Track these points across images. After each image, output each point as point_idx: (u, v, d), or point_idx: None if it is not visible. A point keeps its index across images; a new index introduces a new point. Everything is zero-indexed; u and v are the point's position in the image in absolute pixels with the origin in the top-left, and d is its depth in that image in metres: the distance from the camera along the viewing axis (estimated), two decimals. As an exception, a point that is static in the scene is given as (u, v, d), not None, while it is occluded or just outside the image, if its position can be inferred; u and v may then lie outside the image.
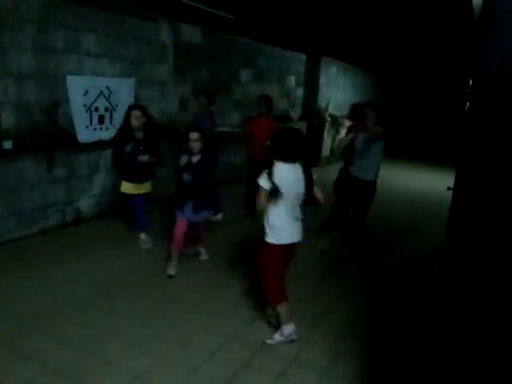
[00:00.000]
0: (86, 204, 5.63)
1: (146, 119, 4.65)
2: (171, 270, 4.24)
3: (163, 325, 3.41)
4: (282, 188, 2.96)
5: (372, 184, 4.78)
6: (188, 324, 3.44)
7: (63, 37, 5.02)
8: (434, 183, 9.38)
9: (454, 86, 14.47)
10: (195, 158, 4.21)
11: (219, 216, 4.46)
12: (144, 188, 4.78)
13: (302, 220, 3.20)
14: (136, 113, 4.56)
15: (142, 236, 4.93)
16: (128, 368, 2.88)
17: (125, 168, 4.69)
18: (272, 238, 3.11)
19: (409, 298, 4.11)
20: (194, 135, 4.16)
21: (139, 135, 4.59)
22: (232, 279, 4.22)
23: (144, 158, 4.55)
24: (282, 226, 3.09)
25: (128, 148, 4.51)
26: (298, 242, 3.21)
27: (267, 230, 3.12)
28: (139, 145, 4.54)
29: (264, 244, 3.17)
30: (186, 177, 4.20)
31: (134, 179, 4.69)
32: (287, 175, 3.01)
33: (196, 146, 4.16)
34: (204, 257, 4.71)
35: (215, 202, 4.40)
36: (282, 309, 3.21)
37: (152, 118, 4.86)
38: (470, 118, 2.81)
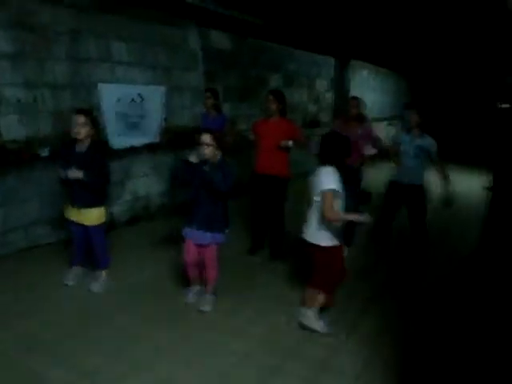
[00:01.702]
0: (118, 210, 5.74)
1: (93, 129, 3.69)
2: (189, 295, 3.84)
3: (189, 329, 3.42)
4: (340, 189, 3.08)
5: (421, 188, 4.82)
6: (216, 327, 3.45)
7: (95, 46, 5.16)
8: (470, 184, 9.19)
9: (488, 85, 14.09)
10: (207, 167, 3.43)
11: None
12: (86, 217, 3.78)
13: None
14: (80, 119, 3.60)
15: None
16: (156, 371, 2.90)
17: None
18: (332, 240, 3.20)
19: (446, 302, 4.00)
20: (205, 138, 3.37)
21: (81, 148, 3.69)
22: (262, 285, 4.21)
23: (75, 174, 3.53)
24: (338, 227, 3.20)
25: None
26: None
27: (327, 234, 3.17)
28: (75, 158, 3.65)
29: (322, 250, 3.22)
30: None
31: (72, 202, 3.81)
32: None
33: (208, 151, 3.37)
34: (204, 306, 3.68)
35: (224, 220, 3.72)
36: (322, 297, 3.35)
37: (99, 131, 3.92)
38: (506, 116, 2.74)
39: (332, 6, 6.74)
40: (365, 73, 11.53)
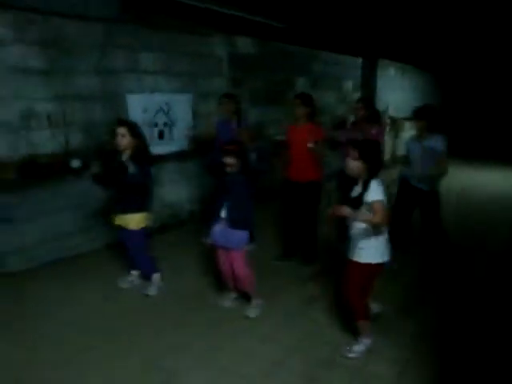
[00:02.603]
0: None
1: (135, 140, 3.80)
2: (225, 302, 3.91)
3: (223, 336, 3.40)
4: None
5: (434, 193, 4.59)
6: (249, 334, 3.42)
7: (122, 57, 5.22)
8: (499, 182, 8.93)
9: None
10: (230, 178, 3.47)
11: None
12: (127, 222, 3.95)
13: None
14: (121, 130, 3.76)
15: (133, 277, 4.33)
16: (191, 379, 2.88)
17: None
18: (371, 257, 3.02)
19: (481, 308, 3.85)
20: (229, 147, 3.42)
21: (123, 157, 3.83)
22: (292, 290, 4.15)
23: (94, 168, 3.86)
24: (381, 243, 3.05)
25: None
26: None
27: (366, 249, 3.02)
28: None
29: (356, 265, 3.07)
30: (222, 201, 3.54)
31: (117, 208, 4.03)
32: None
33: (231, 162, 3.38)
34: (251, 312, 3.73)
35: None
36: (365, 324, 3.18)
37: (143, 140, 3.92)
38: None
39: (357, 5, 6.63)
40: (392, 72, 11.32)
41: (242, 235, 3.50)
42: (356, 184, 3.05)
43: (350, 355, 3.13)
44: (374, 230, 2.94)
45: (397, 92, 11.62)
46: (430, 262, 4.81)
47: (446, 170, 4.44)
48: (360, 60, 10.40)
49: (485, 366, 3.04)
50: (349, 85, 10.18)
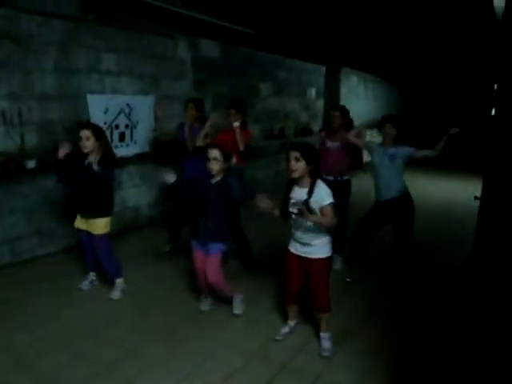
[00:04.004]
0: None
1: (100, 142, 3.76)
2: (203, 306, 3.88)
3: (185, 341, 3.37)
4: None
5: (402, 199, 4.45)
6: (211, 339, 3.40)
7: (84, 57, 5.10)
8: (460, 192, 9.18)
9: (478, 91, 14.19)
10: (213, 180, 3.49)
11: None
12: (93, 226, 3.91)
13: None
14: (85, 133, 3.70)
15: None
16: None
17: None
18: (329, 251, 3.20)
19: (436, 316, 3.96)
20: (213, 153, 3.41)
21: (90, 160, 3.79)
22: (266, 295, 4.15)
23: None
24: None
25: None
26: None
27: (326, 244, 3.17)
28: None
29: (319, 262, 3.17)
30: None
31: (81, 212, 4.00)
32: None
33: (216, 167, 3.41)
34: (235, 309, 3.80)
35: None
36: (329, 316, 3.35)
37: (108, 142, 3.96)
38: (495, 123, 2.71)
39: (322, 13, 6.75)
40: (355, 80, 11.56)
41: (221, 245, 3.57)
42: (295, 184, 3.13)
43: (325, 354, 3.24)
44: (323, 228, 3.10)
45: (359, 101, 11.87)
46: (392, 273, 4.86)
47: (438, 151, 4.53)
48: (324, 68, 10.57)
49: (444, 374, 3.11)
50: (312, 92, 10.31)
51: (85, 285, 4.22)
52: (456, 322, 3.62)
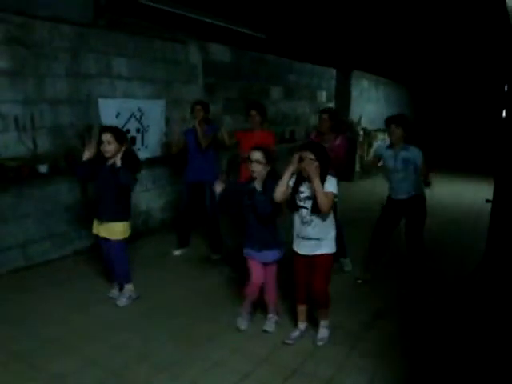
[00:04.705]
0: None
1: (121, 145, 3.70)
2: (240, 323, 3.57)
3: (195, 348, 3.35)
4: None
5: (415, 199, 4.40)
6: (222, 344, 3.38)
7: (95, 62, 5.15)
8: (471, 195, 9.09)
9: (489, 93, 14.03)
10: (257, 185, 3.31)
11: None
12: (110, 231, 3.82)
13: None
14: (106, 137, 3.66)
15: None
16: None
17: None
18: (334, 247, 3.28)
19: (448, 319, 3.91)
20: (255, 155, 3.23)
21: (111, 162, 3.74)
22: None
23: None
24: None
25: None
26: None
27: (332, 240, 3.26)
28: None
29: (325, 257, 3.24)
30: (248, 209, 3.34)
31: (98, 216, 3.89)
32: None
33: (257, 169, 3.23)
34: (268, 326, 3.55)
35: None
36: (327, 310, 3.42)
37: (130, 145, 3.99)
38: (506, 125, 2.68)
39: (333, 17, 6.73)
40: (366, 83, 11.49)
41: (276, 252, 3.43)
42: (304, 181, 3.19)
43: (320, 343, 3.33)
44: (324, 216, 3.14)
45: (370, 104, 11.80)
46: (402, 275, 4.81)
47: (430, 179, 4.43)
48: (334, 71, 10.54)
49: (454, 376, 3.07)
50: (323, 95, 10.29)
51: (114, 294, 4.09)
52: (467, 325, 3.57)
